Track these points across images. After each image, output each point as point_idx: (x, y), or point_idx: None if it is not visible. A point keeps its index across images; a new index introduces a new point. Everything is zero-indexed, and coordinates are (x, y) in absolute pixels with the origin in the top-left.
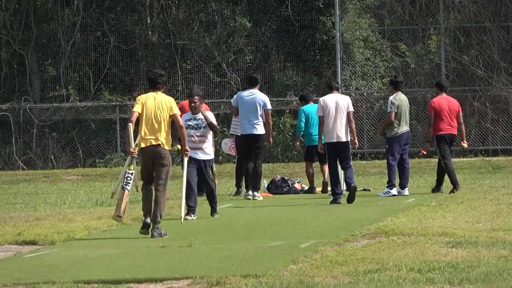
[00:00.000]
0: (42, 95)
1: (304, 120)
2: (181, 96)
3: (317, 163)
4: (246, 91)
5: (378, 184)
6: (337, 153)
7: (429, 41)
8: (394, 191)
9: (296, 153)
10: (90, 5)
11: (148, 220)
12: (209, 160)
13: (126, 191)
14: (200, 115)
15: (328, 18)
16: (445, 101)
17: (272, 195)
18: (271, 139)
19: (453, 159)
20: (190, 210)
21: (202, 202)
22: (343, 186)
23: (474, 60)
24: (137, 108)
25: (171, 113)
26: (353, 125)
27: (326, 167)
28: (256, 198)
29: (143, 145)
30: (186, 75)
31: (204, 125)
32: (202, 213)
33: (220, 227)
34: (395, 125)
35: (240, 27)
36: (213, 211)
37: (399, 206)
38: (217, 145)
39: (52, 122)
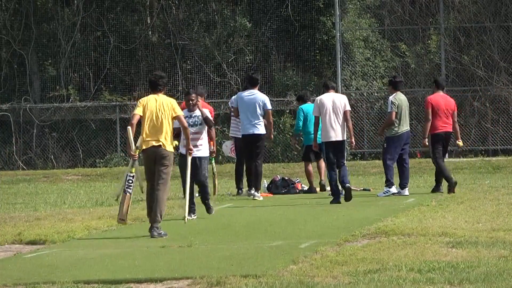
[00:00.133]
0: (42, 95)
1: (302, 119)
2: (181, 96)
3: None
4: (246, 91)
5: (378, 184)
6: (333, 152)
7: (429, 41)
8: (393, 189)
9: (296, 153)
10: (90, 5)
11: None
12: (204, 157)
13: (127, 194)
14: (196, 113)
15: (328, 18)
16: (442, 99)
17: (272, 195)
18: (272, 136)
19: (453, 159)
20: (191, 210)
21: (201, 202)
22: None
23: (474, 60)
24: (138, 111)
25: (174, 115)
26: (350, 124)
27: (322, 163)
28: (256, 198)
29: (144, 147)
30: (186, 75)
31: (200, 122)
32: (202, 213)
33: (220, 227)
34: (396, 125)
35: (240, 27)
36: (208, 208)
37: (399, 206)
38: (217, 145)
39: (52, 122)
